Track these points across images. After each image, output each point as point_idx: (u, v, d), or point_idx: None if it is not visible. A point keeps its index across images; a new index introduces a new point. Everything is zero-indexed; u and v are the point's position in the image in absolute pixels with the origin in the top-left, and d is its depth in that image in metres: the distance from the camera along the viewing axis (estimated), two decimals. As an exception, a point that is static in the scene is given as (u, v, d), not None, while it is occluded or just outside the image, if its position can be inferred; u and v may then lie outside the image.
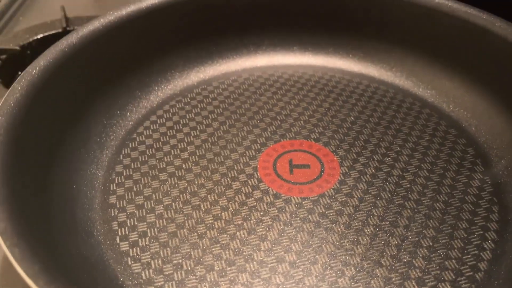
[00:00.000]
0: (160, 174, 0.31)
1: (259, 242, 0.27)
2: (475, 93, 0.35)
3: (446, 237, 0.27)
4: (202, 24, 0.38)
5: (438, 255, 0.26)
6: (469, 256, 0.26)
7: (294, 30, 0.40)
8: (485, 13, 0.34)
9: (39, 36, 0.43)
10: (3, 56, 0.41)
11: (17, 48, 0.41)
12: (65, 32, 0.43)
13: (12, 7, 0.52)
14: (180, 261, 0.26)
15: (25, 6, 0.53)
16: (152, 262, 0.26)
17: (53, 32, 0.44)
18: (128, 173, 0.31)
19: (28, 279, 0.18)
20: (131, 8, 0.34)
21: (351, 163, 0.31)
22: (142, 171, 0.31)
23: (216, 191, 0.29)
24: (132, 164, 0.31)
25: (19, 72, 0.42)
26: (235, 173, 0.31)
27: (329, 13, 0.39)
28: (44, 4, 0.53)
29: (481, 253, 0.26)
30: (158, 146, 0.33)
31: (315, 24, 0.40)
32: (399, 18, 0.37)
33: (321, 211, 0.28)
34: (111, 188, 0.30)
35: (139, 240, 0.27)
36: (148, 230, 0.27)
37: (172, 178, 0.30)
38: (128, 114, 0.35)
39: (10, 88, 0.27)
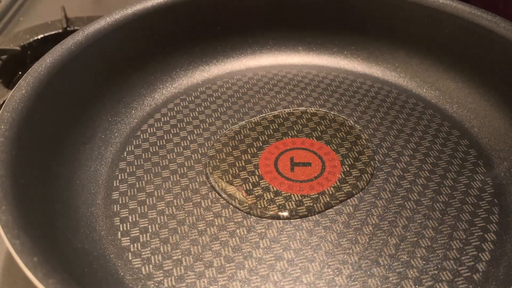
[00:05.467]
0: (162, 171, 0.31)
1: (258, 239, 0.27)
2: (479, 95, 0.35)
3: (445, 238, 0.27)
4: (207, 23, 0.39)
5: (436, 256, 0.26)
6: (468, 257, 0.26)
7: (298, 30, 0.40)
8: (489, 14, 0.34)
9: (39, 37, 0.44)
10: (4, 56, 0.41)
11: (18, 48, 0.42)
12: (65, 32, 0.44)
13: (13, 8, 0.52)
14: (180, 257, 0.26)
15: (26, 6, 0.53)
16: (152, 257, 0.26)
17: (53, 32, 0.44)
18: (131, 170, 0.31)
19: (28, 271, 0.18)
20: (137, 7, 0.35)
21: (352, 162, 0.31)
22: (145, 168, 0.31)
23: (217, 189, 0.30)
24: (135, 161, 0.32)
25: (20, 72, 0.42)
26: (237, 170, 0.31)
27: (334, 14, 0.39)
28: (44, 5, 0.54)
29: (479, 254, 0.26)
30: (161, 143, 0.33)
31: (320, 24, 0.40)
32: (404, 18, 0.37)
33: (320, 209, 0.28)
34: (114, 184, 0.30)
35: (140, 235, 0.27)
36: (149, 226, 0.28)
37: (175, 175, 0.31)
38: (133, 111, 0.35)
39: (16, 84, 0.28)
